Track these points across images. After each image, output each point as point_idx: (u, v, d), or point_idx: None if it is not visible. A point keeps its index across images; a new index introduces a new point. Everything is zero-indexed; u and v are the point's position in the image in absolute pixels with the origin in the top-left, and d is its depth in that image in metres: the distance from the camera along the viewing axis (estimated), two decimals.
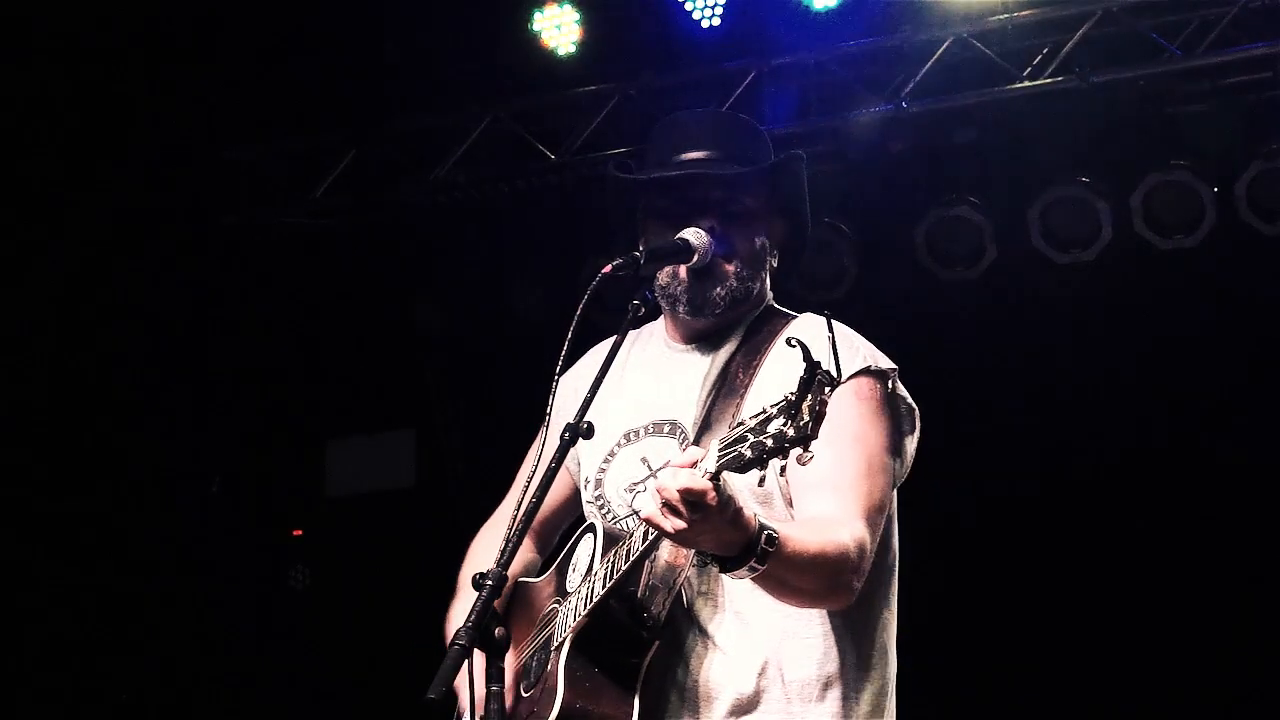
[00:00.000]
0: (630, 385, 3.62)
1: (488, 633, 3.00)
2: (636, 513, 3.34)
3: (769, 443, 2.91)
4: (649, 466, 3.39)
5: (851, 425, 3.30)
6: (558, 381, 3.35)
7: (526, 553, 3.79)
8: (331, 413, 8.19)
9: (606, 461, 3.57)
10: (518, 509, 3.14)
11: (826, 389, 2.86)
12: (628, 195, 3.62)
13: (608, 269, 3.40)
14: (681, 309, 3.53)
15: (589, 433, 3.19)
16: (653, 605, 3.31)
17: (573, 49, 7.20)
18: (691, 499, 2.96)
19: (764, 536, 3.05)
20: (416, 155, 7.48)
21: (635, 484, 3.50)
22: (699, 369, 3.55)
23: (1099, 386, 7.05)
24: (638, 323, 3.46)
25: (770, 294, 3.66)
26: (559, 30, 7.18)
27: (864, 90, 6.86)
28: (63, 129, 7.33)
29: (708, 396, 3.47)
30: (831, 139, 6.98)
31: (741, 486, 3.03)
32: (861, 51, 6.90)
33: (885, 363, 3.44)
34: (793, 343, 2.90)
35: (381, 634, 7.54)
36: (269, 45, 7.26)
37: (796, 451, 2.89)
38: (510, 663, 3.48)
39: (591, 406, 3.37)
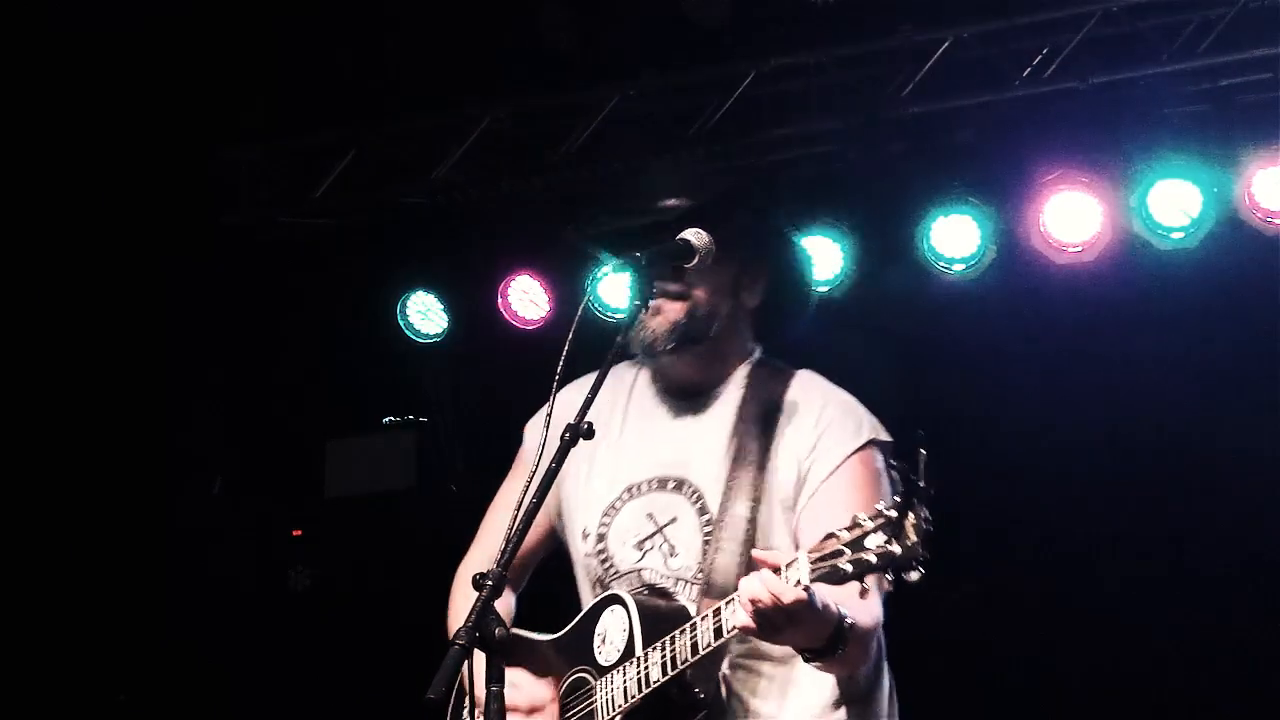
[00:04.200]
0: (629, 436, 3.65)
1: (488, 633, 3.00)
2: (657, 588, 3.44)
3: (872, 560, 2.96)
4: (655, 522, 3.50)
5: (859, 494, 3.38)
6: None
7: (505, 595, 3.75)
8: (331, 413, 8.18)
9: (609, 515, 3.62)
10: (520, 511, 3.14)
11: (925, 509, 2.91)
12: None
13: (607, 269, 3.42)
14: (639, 350, 3.56)
15: (589, 433, 3.20)
16: (700, 682, 3.38)
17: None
18: (791, 610, 3.05)
19: (846, 626, 3.16)
20: (416, 155, 7.47)
21: (642, 540, 3.57)
22: (700, 426, 3.60)
23: (1099, 386, 7.05)
24: (619, 357, 3.47)
25: (757, 344, 3.69)
26: None
27: (865, 90, 6.86)
28: (61, 129, 7.33)
29: (726, 462, 3.51)
30: (831, 139, 6.99)
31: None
32: (861, 51, 6.89)
33: (885, 435, 3.53)
34: (895, 468, 2.94)
35: (381, 634, 7.53)
36: (268, 45, 7.26)
37: (903, 574, 2.94)
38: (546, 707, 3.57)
39: (588, 459, 3.53)
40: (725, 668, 3.46)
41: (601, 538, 3.62)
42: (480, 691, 3.18)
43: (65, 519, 7.69)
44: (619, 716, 3.39)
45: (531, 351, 7.18)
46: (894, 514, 2.92)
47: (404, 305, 7.73)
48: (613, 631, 3.47)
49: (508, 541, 3.08)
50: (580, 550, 3.68)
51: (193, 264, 7.68)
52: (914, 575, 2.93)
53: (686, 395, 3.64)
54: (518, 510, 3.13)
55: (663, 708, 3.37)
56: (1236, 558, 6.85)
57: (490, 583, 3.00)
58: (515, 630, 3.71)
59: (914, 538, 2.90)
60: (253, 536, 8.16)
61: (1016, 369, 6.97)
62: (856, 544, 2.97)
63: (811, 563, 3.02)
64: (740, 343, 3.66)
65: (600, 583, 3.62)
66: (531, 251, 7.47)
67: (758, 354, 3.68)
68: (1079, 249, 6.75)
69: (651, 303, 3.45)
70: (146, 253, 7.66)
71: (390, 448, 8.07)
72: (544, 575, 3.93)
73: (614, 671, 3.44)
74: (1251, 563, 6.81)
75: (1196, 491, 6.93)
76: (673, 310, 3.52)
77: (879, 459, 3.51)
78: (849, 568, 2.96)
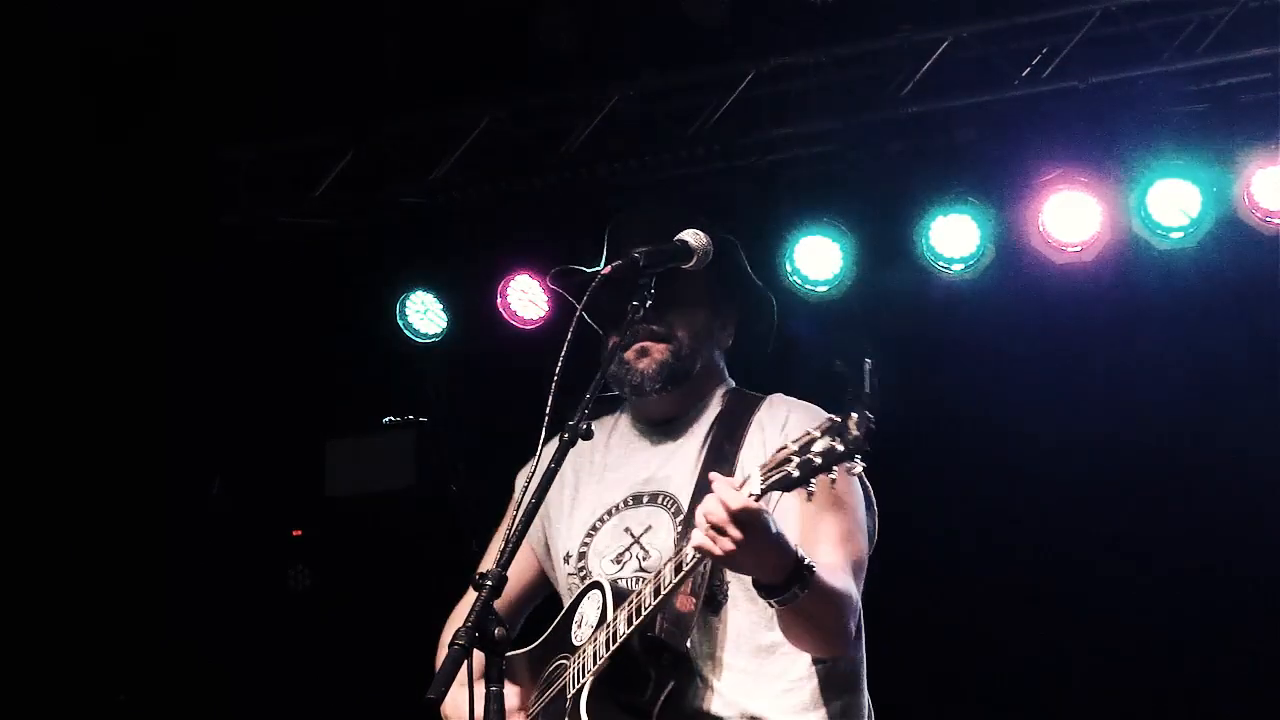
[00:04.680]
0: (610, 468, 3.76)
1: (487, 633, 3.01)
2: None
3: (817, 461, 3.07)
4: (632, 535, 3.60)
5: (828, 492, 3.39)
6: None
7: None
8: (331, 413, 8.19)
9: (590, 536, 3.71)
10: (517, 510, 3.15)
11: (868, 410, 3.03)
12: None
13: (607, 270, 3.45)
14: (626, 390, 3.68)
15: (588, 434, 3.23)
16: (669, 646, 3.44)
17: None
18: (744, 518, 3.12)
19: (805, 564, 3.23)
20: (416, 155, 7.47)
21: (620, 554, 3.65)
22: (677, 446, 3.71)
23: (1098, 385, 7.05)
24: (600, 388, 3.50)
25: (729, 378, 3.82)
26: None
27: (864, 90, 6.86)
28: (61, 129, 7.33)
29: (699, 467, 3.60)
30: (831, 139, 6.99)
31: None
32: (861, 51, 6.89)
33: None
34: (839, 366, 3.06)
35: (381, 634, 7.53)
36: (268, 45, 7.26)
37: (845, 465, 3.06)
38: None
39: (572, 495, 3.66)
40: (695, 656, 3.50)
41: (582, 556, 3.72)
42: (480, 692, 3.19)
43: (65, 519, 7.68)
44: (589, 681, 3.43)
45: (531, 351, 7.18)
46: (839, 418, 3.06)
47: (404, 305, 7.73)
48: (589, 612, 3.56)
49: (507, 541, 3.09)
50: (563, 573, 3.77)
51: (193, 264, 7.68)
52: (858, 467, 3.07)
53: (665, 423, 3.77)
54: (516, 511, 3.14)
55: (629, 664, 3.42)
56: (1236, 558, 6.85)
57: (490, 583, 3.02)
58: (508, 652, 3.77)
59: (856, 433, 3.03)
60: (253, 536, 8.16)
61: (1016, 369, 6.97)
62: (804, 449, 3.09)
63: (763, 474, 3.13)
64: (718, 377, 3.81)
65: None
66: (531, 251, 7.47)
67: (732, 384, 3.83)
68: (1078, 249, 6.75)
69: (636, 344, 3.63)
70: (146, 253, 7.65)
71: (390, 448, 8.07)
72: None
73: (587, 644, 3.50)
74: (1251, 563, 6.81)
75: (1196, 491, 6.93)
76: (658, 351, 3.67)
77: None
78: (797, 472, 3.09)
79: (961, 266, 6.88)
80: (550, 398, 3.26)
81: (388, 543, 7.98)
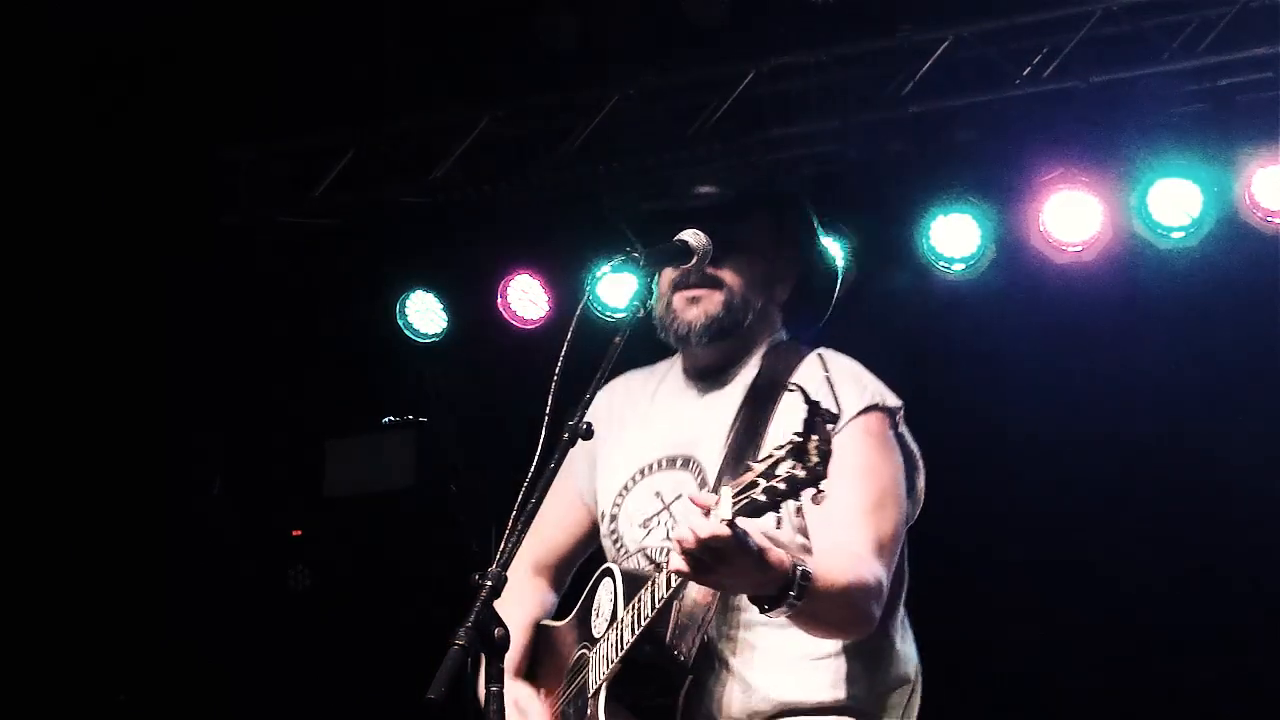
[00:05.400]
0: (653, 419, 3.69)
1: (487, 633, 3.01)
2: (659, 564, 3.40)
3: (781, 486, 2.98)
4: (662, 500, 3.53)
5: (861, 459, 3.37)
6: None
7: (544, 593, 3.87)
8: (331, 413, 8.19)
9: (621, 496, 3.66)
10: (519, 511, 3.14)
11: (829, 427, 2.94)
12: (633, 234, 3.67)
13: (606, 268, 3.45)
14: (671, 339, 3.62)
15: (588, 433, 3.22)
16: (683, 644, 3.40)
17: None
18: (715, 545, 3.04)
19: (799, 574, 3.13)
20: (416, 155, 7.48)
21: (649, 519, 3.60)
22: (713, 404, 3.62)
23: (1099, 385, 7.05)
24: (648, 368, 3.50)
25: (783, 330, 3.71)
26: None
27: (864, 90, 6.86)
28: (61, 129, 7.33)
29: (728, 436, 3.53)
30: (831, 139, 6.99)
31: (753, 525, 3.09)
32: (861, 51, 6.89)
33: (892, 400, 3.57)
34: (792, 387, 2.99)
35: (381, 634, 7.54)
36: (268, 45, 7.26)
37: (809, 492, 2.96)
38: (544, 711, 3.63)
39: (620, 446, 3.59)
40: (717, 637, 3.46)
41: (614, 519, 3.67)
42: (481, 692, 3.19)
43: (65, 519, 7.69)
44: (604, 684, 3.41)
45: (531, 351, 7.18)
46: (799, 439, 2.97)
47: (404, 305, 7.73)
48: (604, 603, 3.53)
49: (506, 541, 3.08)
50: (603, 532, 3.73)
51: (193, 264, 7.68)
52: (821, 496, 2.97)
53: (709, 376, 3.67)
54: (519, 512, 3.13)
55: (642, 667, 3.39)
56: (1237, 558, 6.85)
57: (489, 583, 3.01)
58: (544, 622, 3.78)
59: (815, 458, 2.94)
60: (253, 536, 8.16)
61: (1016, 369, 6.97)
62: (769, 473, 3.00)
63: (732, 498, 3.05)
64: (769, 330, 3.69)
65: (615, 564, 3.65)
66: (531, 251, 7.48)
67: (783, 336, 3.71)
68: (1079, 249, 6.75)
69: (688, 291, 3.54)
70: (146, 253, 7.65)
71: (390, 448, 8.07)
72: None
73: (601, 641, 3.49)
74: (1252, 563, 6.81)
75: (1197, 491, 6.92)
76: (711, 303, 3.57)
77: (884, 423, 3.52)
78: (763, 498, 3.00)
79: (962, 266, 6.88)
80: (550, 397, 3.25)
81: (388, 543, 7.99)
